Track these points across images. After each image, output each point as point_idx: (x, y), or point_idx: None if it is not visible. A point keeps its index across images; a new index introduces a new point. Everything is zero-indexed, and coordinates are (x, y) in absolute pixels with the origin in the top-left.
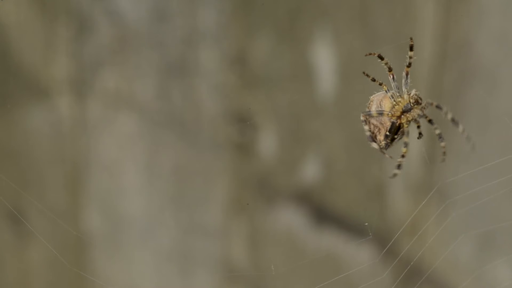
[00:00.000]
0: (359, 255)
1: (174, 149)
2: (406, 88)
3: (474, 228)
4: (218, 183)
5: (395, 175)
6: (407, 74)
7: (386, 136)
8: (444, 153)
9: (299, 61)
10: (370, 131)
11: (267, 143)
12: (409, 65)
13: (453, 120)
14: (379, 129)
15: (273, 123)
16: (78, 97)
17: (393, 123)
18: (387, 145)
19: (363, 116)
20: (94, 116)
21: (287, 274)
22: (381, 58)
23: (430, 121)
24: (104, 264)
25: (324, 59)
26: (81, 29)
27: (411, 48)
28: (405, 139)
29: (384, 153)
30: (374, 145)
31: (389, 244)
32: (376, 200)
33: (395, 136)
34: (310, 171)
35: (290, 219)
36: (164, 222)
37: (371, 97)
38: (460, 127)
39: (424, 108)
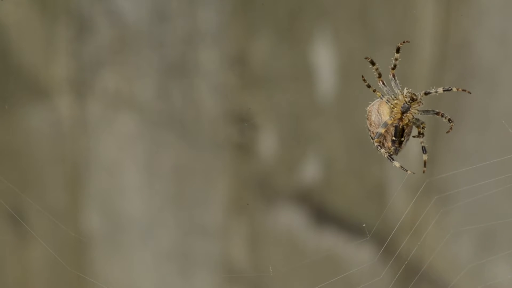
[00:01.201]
0: (359, 255)
1: (174, 149)
2: (398, 89)
3: (472, 227)
4: (218, 183)
5: (425, 162)
6: (393, 76)
7: (393, 141)
8: (451, 128)
9: (299, 61)
10: (387, 152)
11: (267, 143)
12: (394, 67)
13: (444, 90)
14: (385, 136)
15: (273, 123)
16: (78, 97)
17: (396, 127)
18: (397, 150)
19: (376, 141)
20: (94, 116)
21: (287, 274)
22: (373, 63)
23: (437, 113)
24: (104, 264)
25: (324, 59)
26: (81, 29)
27: (397, 50)
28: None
29: (406, 170)
30: (396, 163)
31: (386, 243)
32: (376, 200)
33: (402, 139)
34: (310, 171)
35: (290, 219)
36: (164, 222)
37: (368, 108)
38: (454, 89)
39: (421, 102)
